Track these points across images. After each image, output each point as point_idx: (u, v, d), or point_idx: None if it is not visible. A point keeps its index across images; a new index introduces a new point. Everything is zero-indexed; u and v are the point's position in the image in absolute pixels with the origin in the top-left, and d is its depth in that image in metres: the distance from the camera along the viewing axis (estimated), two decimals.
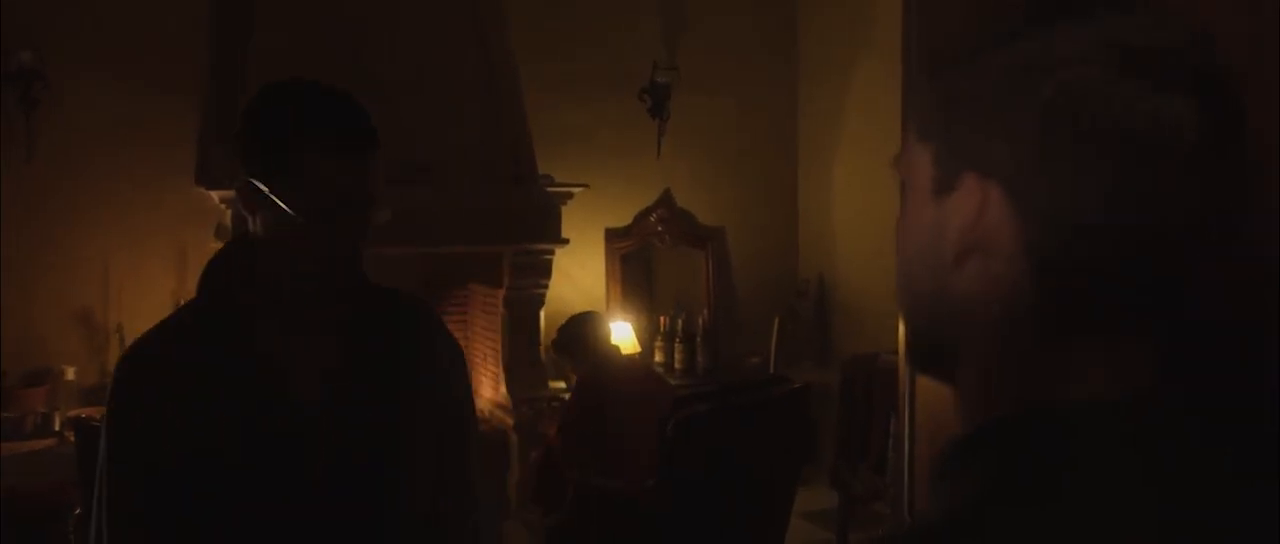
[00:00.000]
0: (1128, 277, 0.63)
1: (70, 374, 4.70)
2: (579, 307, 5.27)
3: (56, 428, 4.41)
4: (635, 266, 6.09)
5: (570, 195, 5.36)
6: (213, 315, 1.56)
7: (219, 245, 4.95)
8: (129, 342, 5.03)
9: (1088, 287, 0.63)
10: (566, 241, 5.38)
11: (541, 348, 5.23)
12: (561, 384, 5.22)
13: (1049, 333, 0.64)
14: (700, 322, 5.95)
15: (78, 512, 3.61)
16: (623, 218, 6.03)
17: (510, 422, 5.08)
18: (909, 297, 0.72)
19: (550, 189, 5.30)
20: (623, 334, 5.58)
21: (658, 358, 5.82)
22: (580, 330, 4.36)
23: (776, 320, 5.93)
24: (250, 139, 1.49)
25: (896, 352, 2.27)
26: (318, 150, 1.44)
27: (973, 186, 0.65)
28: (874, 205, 5.41)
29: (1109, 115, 0.61)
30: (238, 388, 1.50)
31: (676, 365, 5.77)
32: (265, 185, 1.45)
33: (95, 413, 4.08)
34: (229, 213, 4.73)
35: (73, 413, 4.37)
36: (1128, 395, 0.63)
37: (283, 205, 1.45)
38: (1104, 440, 0.61)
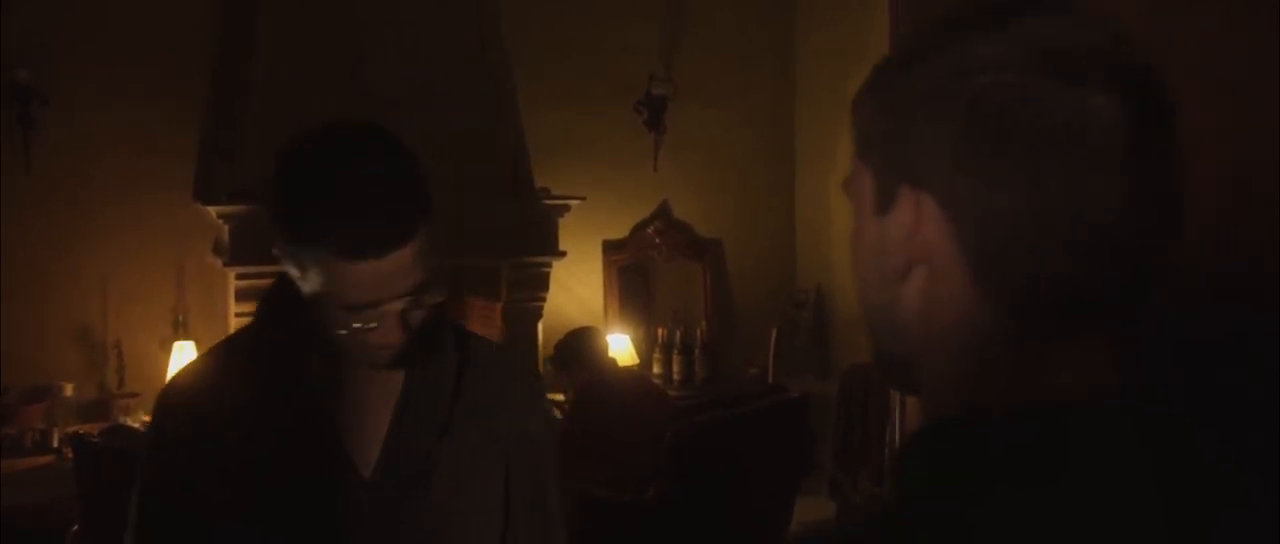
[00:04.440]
0: (1068, 275, 0.63)
1: (69, 390, 4.70)
2: (577, 319, 5.27)
3: (55, 444, 4.41)
4: (633, 278, 6.10)
5: (567, 208, 5.37)
6: (267, 350, 1.42)
7: (217, 261, 4.99)
8: (127, 357, 5.01)
9: (1028, 288, 0.63)
10: (564, 254, 5.38)
11: (540, 361, 5.24)
12: (560, 397, 5.22)
13: (997, 337, 0.65)
14: (698, 333, 5.95)
15: (76, 528, 3.60)
16: (620, 230, 6.04)
17: None
18: (868, 314, 0.73)
19: (547, 202, 5.31)
20: (621, 346, 5.58)
21: (656, 370, 5.82)
22: (579, 345, 4.36)
23: (774, 331, 5.94)
24: (269, 215, 1.30)
25: None
26: (328, 251, 1.25)
27: (907, 199, 0.66)
28: None
29: (1030, 116, 0.61)
30: (286, 438, 1.38)
31: (675, 377, 5.77)
32: (292, 267, 1.31)
33: (93, 429, 4.08)
34: (227, 229, 4.74)
35: (71, 429, 4.37)
36: (1087, 394, 0.63)
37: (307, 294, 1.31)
38: (1051, 440, 0.61)
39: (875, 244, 0.69)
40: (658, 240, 6.08)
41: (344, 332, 1.30)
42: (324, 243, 1.24)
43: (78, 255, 4.85)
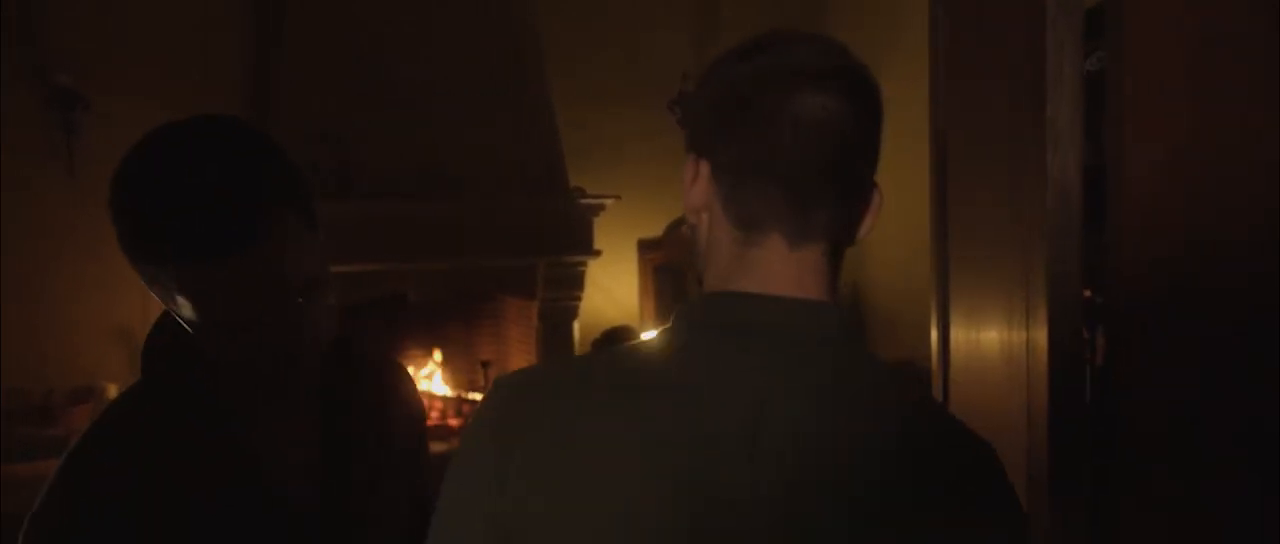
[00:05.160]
0: (767, 210, 0.94)
1: (112, 391, 4.77)
2: (613, 318, 5.28)
3: None
4: (668, 277, 6.09)
5: (602, 207, 5.38)
6: (165, 399, 1.24)
7: None
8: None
9: (749, 217, 0.96)
10: (599, 253, 5.39)
11: None
12: None
13: (737, 251, 0.96)
14: None
15: None
16: (655, 228, 6.04)
17: None
18: (689, 243, 1.05)
19: (582, 201, 5.32)
20: None
21: None
22: (615, 343, 4.38)
23: None
24: (116, 236, 1.18)
25: (930, 358, 2.26)
26: (172, 262, 1.13)
27: (693, 164, 0.99)
28: (907, 210, 5.38)
29: (762, 106, 0.93)
30: (205, 483, 1.20)
31: None
32: (157, 294, 1.17)
33: None
34: None
35: None
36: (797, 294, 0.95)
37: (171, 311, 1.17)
38: (750, 311, 0.94)
39: (685, 197, 1.01)
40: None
41: (231, 354, 1.17)
42: (163, 254, 1.12)
43: (118, 255, 4.88)
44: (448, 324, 5.61)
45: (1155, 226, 1.17)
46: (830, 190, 0.95)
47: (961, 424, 0.97)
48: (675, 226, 6.04)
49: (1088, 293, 1.43)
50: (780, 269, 0.95)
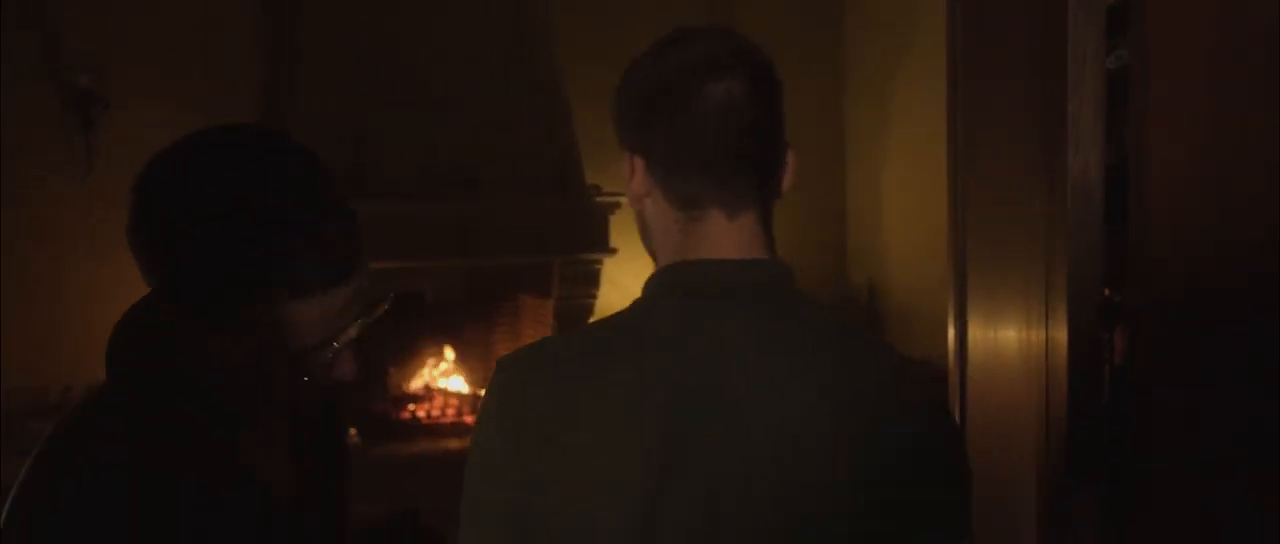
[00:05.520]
0: (704, 187, 1.10)
1: None
2: None
3: None
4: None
5: (619, 204, 5.38)
6: (148, 403, 1.09)
7: None
8: None
9: (689, 197, 1.10)
10: (615, 251, 5.39)
11: None
12: None
13: (683, 227, 1.11)
14: None
15: None
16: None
17: None
18: (639, 227, 1.19)
19: (598, 199, 5.32)
20: None
21: None
22: None
23: None
24: (194, 261, 1.06)
25: (948, 356, 2.25)
26: (288, 291, 1.07)
27: (629, 161, 1.14)
28: (924, 209, 5.38)
29: (681, 99, 1.07)
30: (201, 490, 1.06)
31: None
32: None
33: None
34: None
35: None
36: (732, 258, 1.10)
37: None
38: (696, 277, 1.10)
39: (627, 189, 1.15)
40: None
41: (305, 380, 1.11)
42: (282, 281, 1.05)
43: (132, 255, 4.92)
44: (464, 322, 5.62)
45: (1177, 225, 1.16)
46: (748, 163, 1.11)
47: (890, 346, 1.16)
48: None
49: (1106, 292, 1.42)
50: (723, 238, 1.11)
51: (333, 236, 1.09)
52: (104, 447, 1.06)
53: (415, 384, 5.58)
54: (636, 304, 1.12)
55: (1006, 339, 1.67)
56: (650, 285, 1.13)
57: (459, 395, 5.54)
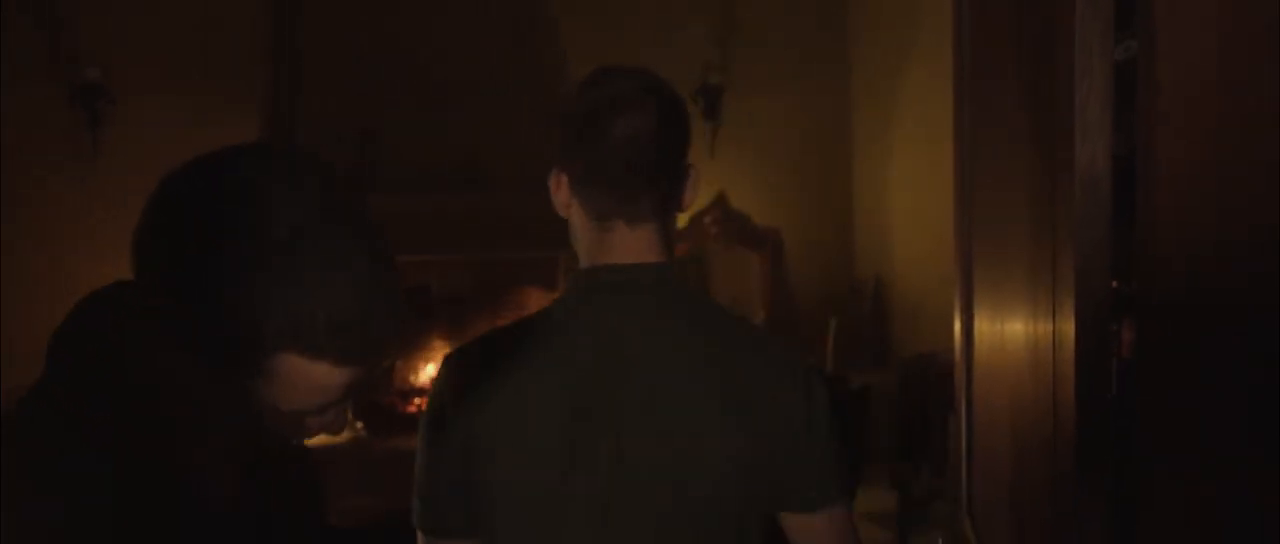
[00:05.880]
0: (612, 203, 1.36)
1: None
2: None
3: None
4: (690, 268, 6.09)
5: None
6: (89, 408, 0.96)
7: None
8: None
9: (601, 210, 1.37)
10: None
11: None
12: None
13: (596, 236, 1.38)
14: (756, 323, 5.93)
15: None
16: (677, 220, 6.02)
17: None
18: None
19: None
20: None
21: None
22: None
23: (832, 321, 5.90)
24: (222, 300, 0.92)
25: (954, 350, 2.24)
26: (303, 351, 0.92)
27: (555, 175, 1.39)
28: (930, 203, 5.36)
29: (596, 126, 1.32)
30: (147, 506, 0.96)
31: None
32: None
33: None
34: None
35: None
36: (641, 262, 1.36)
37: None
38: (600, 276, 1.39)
39: (553, 200, 1.40)
40: (715, 230, 6.07)
41: (294, 437, 1.03)
42: (312, 341, 0.92)
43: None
44: (470, 315, 5.63)
45: (1186, 217, 1.16)
46: (648, 184, 1.34)
47: (764, 330, 1.63)
48: (698, 218, 6.04)
49: (1115, 284, 1.42)
50: (625, 245, 1.36)
51: (362, 307, 0.93)
52: (25, 446, 0.95)
53: (421, 378, 5.59)
54: (558, 300, 1.41)
55: (1013, 332, 1.67)
56: (569, 284, 1.41)
57: None
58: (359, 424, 5.15)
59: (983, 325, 2.00)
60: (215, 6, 5.09)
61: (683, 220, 6.37)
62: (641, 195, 1.35)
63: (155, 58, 4.97)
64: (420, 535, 1.41)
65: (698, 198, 1.45)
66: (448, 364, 1.40)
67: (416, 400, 5.46)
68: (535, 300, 5.58)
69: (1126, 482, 1.40)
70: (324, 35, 5.00)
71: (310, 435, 1.05)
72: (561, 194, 1.40)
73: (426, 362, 5.59)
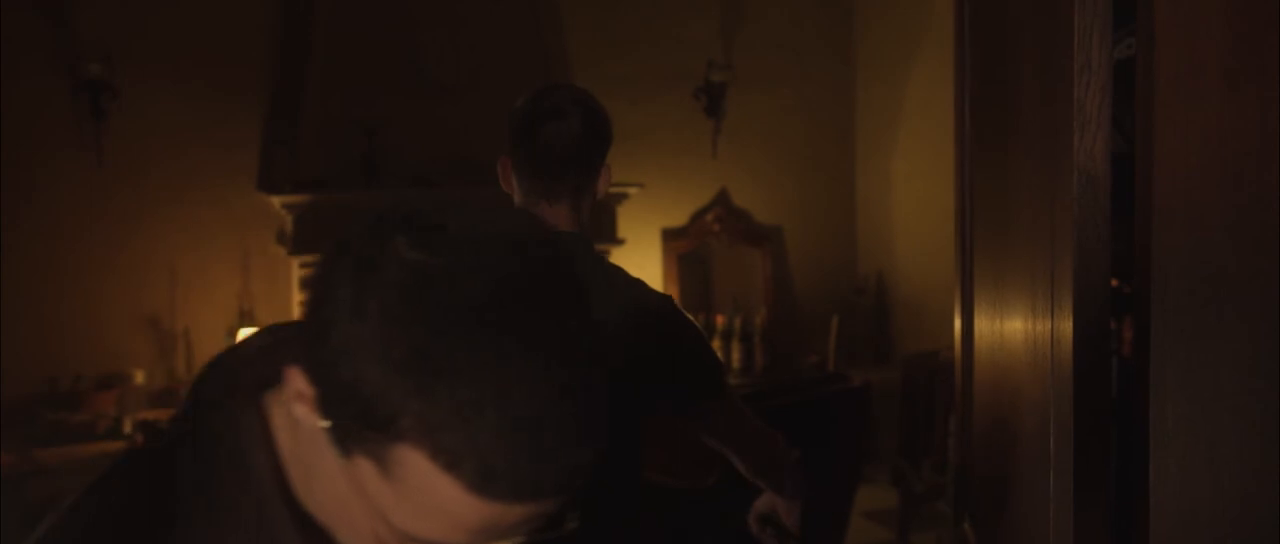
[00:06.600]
0: (544, 183, 1.82)
1: (139, 378, 4.81)
2: None
3: (127, 431, 4.52)
4: (692, 266, 6.09)
5: (626, 195, 5.38)
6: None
7: (281, 250, 5.06)
8: (194, 346, 5.11)
9: (531, 187, 1.84)
10: (623, 242, 5.39)
11: None
12: None
13: (526, 204, 1.83)
14: (758, 321, 5.93)
15: None
16: (679, 218, 6.03)
17: None
18: None
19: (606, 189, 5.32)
20: None
21: None
22: None
23: (835, 319, 5.90)
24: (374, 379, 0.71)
25: (954, 348, 2.24)
26: (435, 455, 0.70)
27: (503, 161, 1.88)
28: (933, 201, 5.36)
29: (535, 131, 1.80)
30: None
31: (734, 365, 5.76)
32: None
33: (163, 416, 4.17)
34: (290, 218, 4.80)
35: (142, 416, 4.48)
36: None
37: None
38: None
39: (500, 181, 1.87)
40: (717, 227, 6.07)
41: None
42: (475, 472, 0.69)
43: (146, 244, 4.95)
44: None
45: (1186, 215, 1.15)
46: (567, 174, 1.81)
47: (643, 283, 1.92)
48: (700, 215, 6.03)
49: (1114, 282, 1.42)
50: (544, 219, 1.77)
51: (532, 420, 0.69)
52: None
53: None
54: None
55: (1013, 330, 1.66)
56: None
57: None
58: None
59: (982, 324, 2.00)
60: (219, 2, 5.09)
61: (683, 218, 6.44)
62: (560, 182, 1.82)
63: (158, 53, 4.96)
64: None
65: (609, 187, 1.90)
66: None
67: None
68: None
69: (1126, 480, 1.40)
70: (330, 29, 4.99)
71: None
72: (506, 177, 1.87)
73: None
